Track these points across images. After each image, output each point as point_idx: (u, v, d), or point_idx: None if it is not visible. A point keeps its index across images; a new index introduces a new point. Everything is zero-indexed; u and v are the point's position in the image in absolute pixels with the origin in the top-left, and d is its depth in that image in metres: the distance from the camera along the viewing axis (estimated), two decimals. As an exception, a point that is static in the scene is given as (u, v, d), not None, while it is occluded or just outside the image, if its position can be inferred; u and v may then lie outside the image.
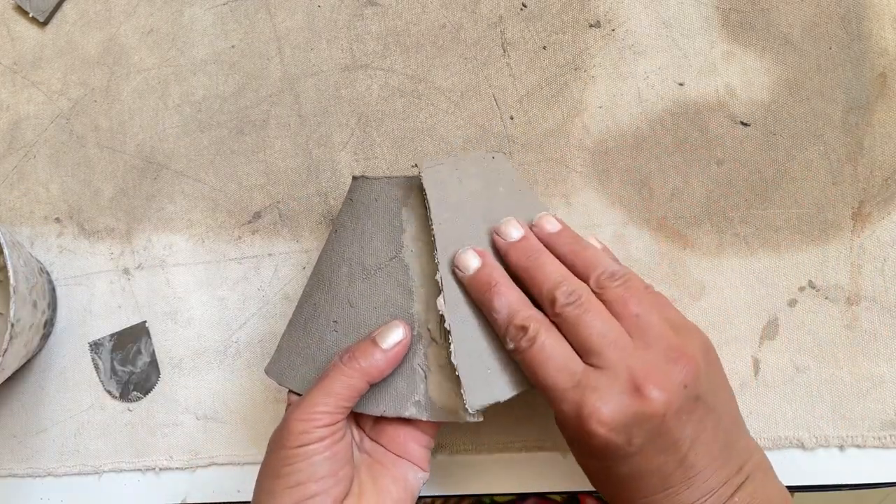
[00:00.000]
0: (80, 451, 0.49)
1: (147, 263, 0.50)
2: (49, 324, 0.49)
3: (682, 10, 0.45)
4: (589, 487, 0.38)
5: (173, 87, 0.50)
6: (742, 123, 0.44)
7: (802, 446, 0.42)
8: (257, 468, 0.36)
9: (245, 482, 0.47)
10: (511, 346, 0.34)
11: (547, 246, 0.37)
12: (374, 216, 0.39)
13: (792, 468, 0.42)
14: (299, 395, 0.38)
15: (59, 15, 0.52)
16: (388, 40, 0.48)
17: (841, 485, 0.41)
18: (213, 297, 0.48)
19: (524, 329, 0.33)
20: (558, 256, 0.36)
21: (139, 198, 0.50)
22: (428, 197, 0.37)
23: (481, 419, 0.35)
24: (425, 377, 0.37)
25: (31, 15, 0.52)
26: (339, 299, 0.38)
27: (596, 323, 0.33)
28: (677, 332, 0.34)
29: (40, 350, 0.50)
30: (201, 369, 0.48)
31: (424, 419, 0.36)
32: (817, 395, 0.42)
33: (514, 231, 0.37)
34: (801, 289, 0.43)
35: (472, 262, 0.36)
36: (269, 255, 0.48)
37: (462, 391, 0.35)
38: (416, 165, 0.47)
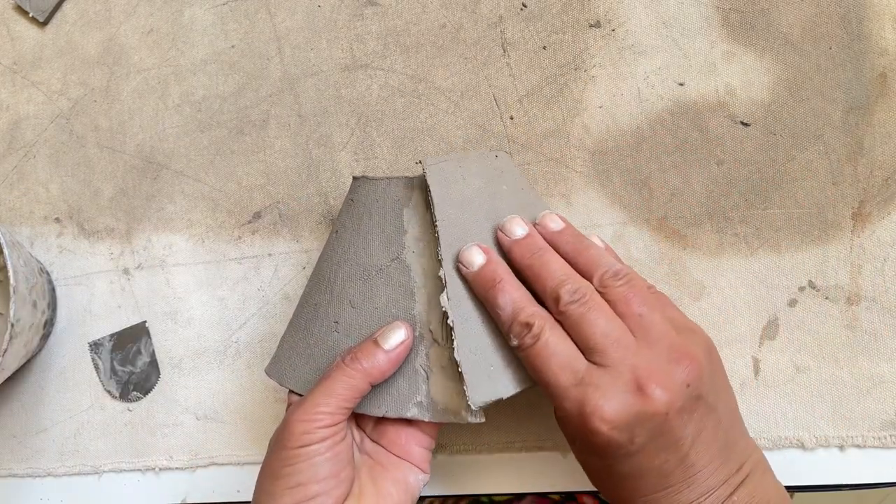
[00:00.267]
0: (80, 451, 0.49)
1: (147, 263, 0.50)
2: (49, 324, 0.49)
3: (682, 10, 0.45)
4: (589, 487, 0.38)
5: (173, 87, 0.50)
6: (742, 123, 0.44)
7: (802, 446, 0.42)
8: (257, 468, 0.36)
9: (245, 482, 0.47)
10: (514, 342, 0.34)
11: (550, 244, 0.37)
12: (375, 217, 0.39)
13: (792, 468, 0.42)
14: (300, 395, 0.38)
15: (59, 15, 0.52)
16: (388, 40, 0.48)
17: (841, 485, 0.42)
18: (213, 297, 0.48)
19: (528, 326, 0.34)
20: (561, 255, 0.36)
21: (139, 198, 0.50)
22: (432, 194, 0.37)
23: (483, 420, 0.35)
24: (427, 378, 0.37)
25: (31, 15, 0.52)
26: (341, 300, 0.38)
27: (599, 321, 0.33)
28: (680, 331, 0.34)
29: (40, 350, 0.50)
30: (201, 369, 0.48)
31: (426, 420, 0.36)
32: (817, 395, 0.42)
33: (518, 228, 0.37)
34: (802, 289, 0.43)
35: (476, 258, 0.36)
36: (269, 255, 0.48)
37: (465, 387, 0.35)
38: (419, 162, 0.47)
